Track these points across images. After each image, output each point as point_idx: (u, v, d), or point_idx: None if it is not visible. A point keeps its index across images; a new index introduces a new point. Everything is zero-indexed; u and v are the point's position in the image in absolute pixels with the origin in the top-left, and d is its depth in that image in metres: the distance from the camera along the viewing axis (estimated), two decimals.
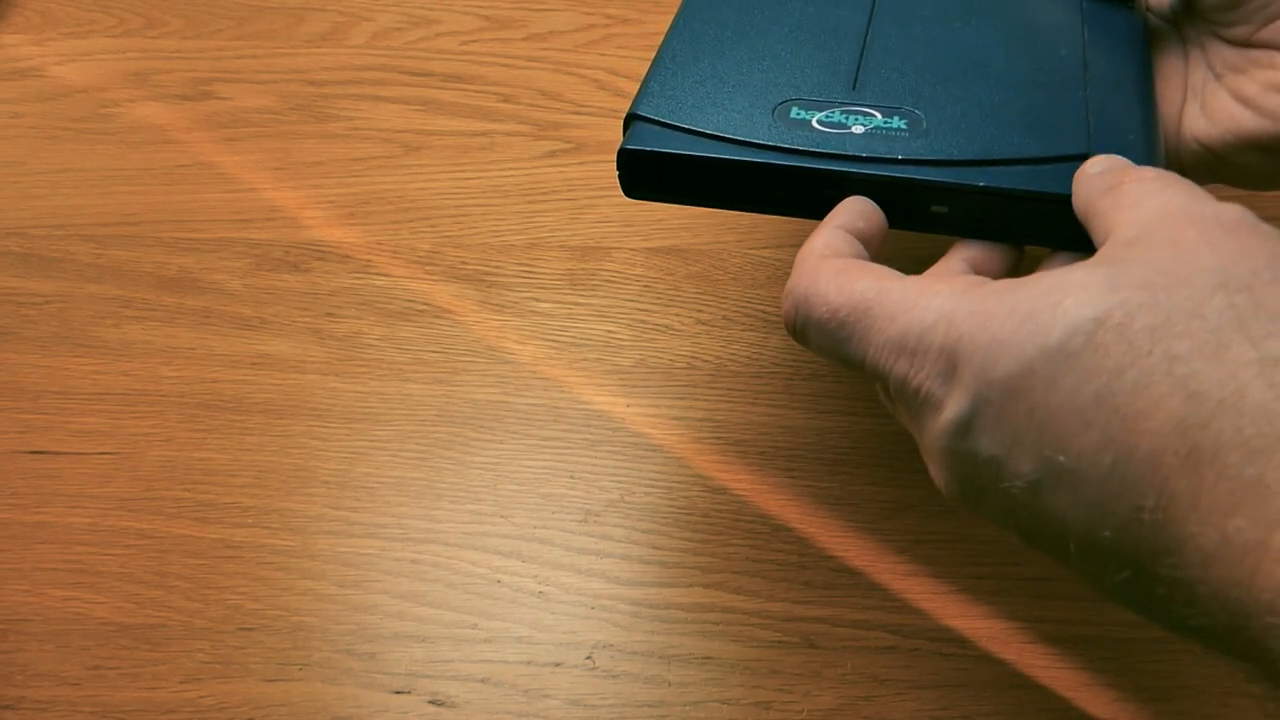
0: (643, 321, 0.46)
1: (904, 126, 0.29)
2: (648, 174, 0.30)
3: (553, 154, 0.52)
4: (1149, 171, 0.26)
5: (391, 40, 0.56)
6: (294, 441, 0.43)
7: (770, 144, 0.28)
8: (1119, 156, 0.27)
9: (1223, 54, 0.31)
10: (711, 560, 0.40)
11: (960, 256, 0.28)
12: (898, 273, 0.26)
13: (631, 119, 0.30)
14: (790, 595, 0.39)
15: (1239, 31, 0.30)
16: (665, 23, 0.55)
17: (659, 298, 0.47)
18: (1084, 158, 0.28)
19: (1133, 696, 0.38)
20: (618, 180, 0.31)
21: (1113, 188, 0.25)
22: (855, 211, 0.28)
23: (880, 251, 0.29)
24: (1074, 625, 0.39)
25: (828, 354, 0.26)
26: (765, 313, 0.46)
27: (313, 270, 0.48)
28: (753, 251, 0.48)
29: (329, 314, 0.47)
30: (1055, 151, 0.28)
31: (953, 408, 0.23)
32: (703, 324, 0.46)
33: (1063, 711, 0.37)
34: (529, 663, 0.38)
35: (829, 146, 0.28)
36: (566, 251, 0.48)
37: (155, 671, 0.38)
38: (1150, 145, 0.29)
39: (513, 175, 0.51)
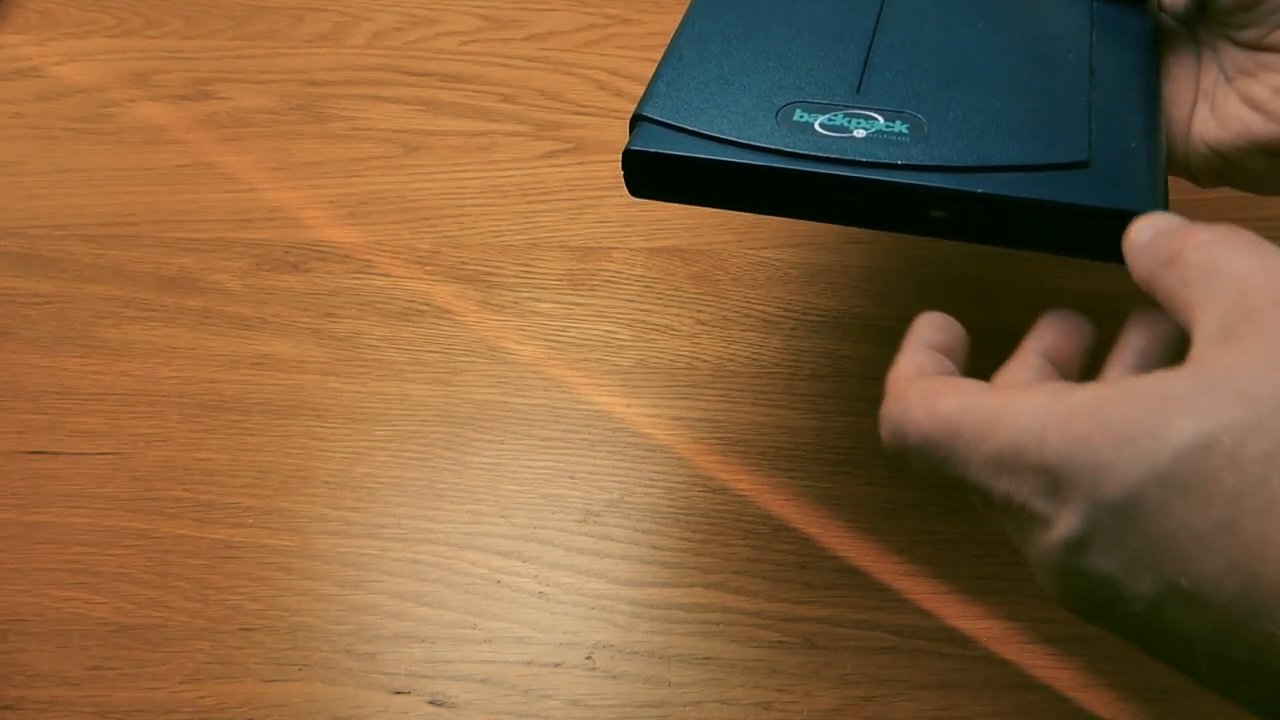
0: (643, 321, 0.46)
1: (905, 131, 0.29)
2: (652, 174, 0.30)
3: (553, 154, 0.52)
4: (1203, 232, 0.24)
5: (391, 40, 0.56)
6: (294, 441, 0.43)
7: (772, 147, 0.28)
8: (1164, 214, 0.26)
9: (1234, 57, 0.31)
10: (711, 560, 0.40)
11: (1033, 350, 0.28)
12: (981, 385, 0.25)
13: (637, 120, 0.30)
14: (790, 595, 0.39)
15: (1251, 34, 0.30)
16: (665, 23, 0.55)
17: (659, 298, 0.47)
18: (1084, 165, 0.27)
19: (1133, 696, 0.37)
20: (623, 179, 0.31)
21: (1171, 260, 0.24)
22: (933, 325, 0.28)
23: (965, 361, 0.28)
24: (1074, 625, 0.39)
25: (932, 475, 0.26)
26: (765, 313, 0.46)
27: (313, 270, 0.48)
28: (753, 251, 0.48)
29: (329, 314, 0.47)
30: (1054, 159, 0.28)
31: (1063, 527, 0.23)
32: (703, 324, 0.46)
33: (1063, 711, 0.37)
34: (529, 663, 0.38)
35: (830, 150, 0.28)
36: (566, 251, 0.48)
37: (155, 671, 0.38)
38: (1151, 154, 0.28)
39: (513, 175, 0.51)
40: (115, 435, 0.43)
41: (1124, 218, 0.26)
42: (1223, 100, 0.31)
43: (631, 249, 0.48)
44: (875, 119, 0.29)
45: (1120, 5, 0.32)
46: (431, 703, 0.37)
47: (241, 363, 0.45)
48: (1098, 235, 0.27)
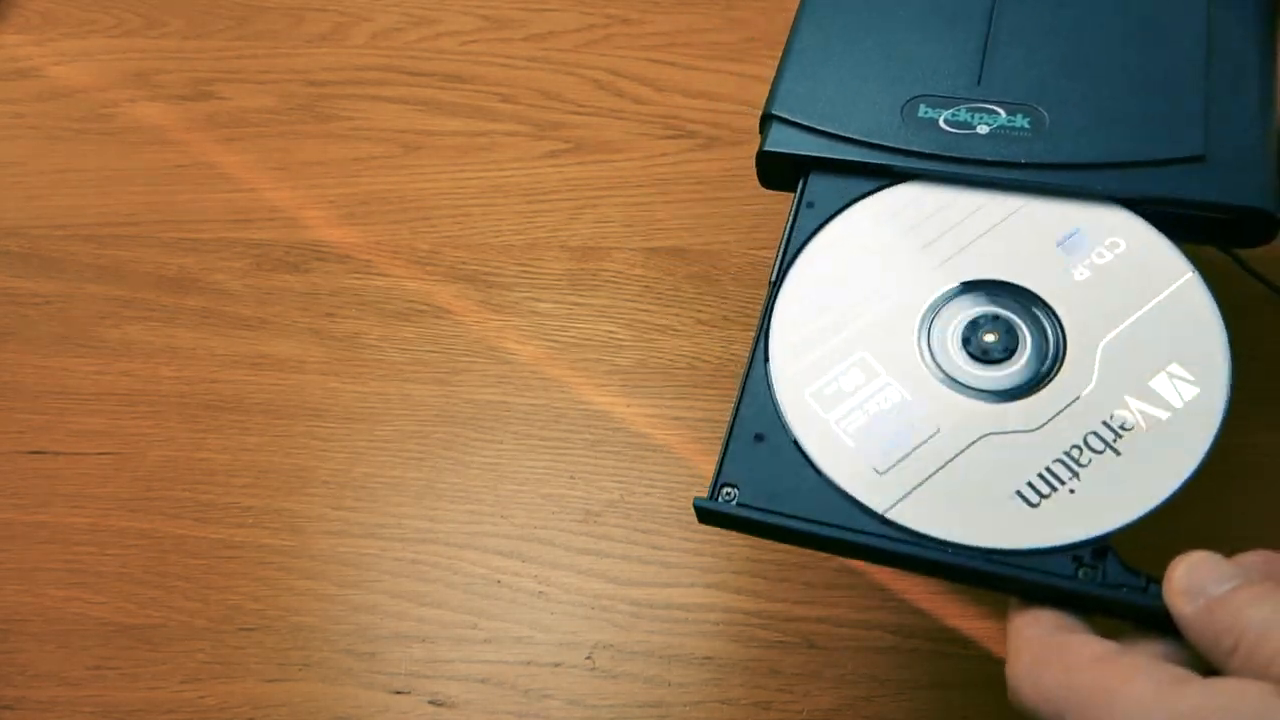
0: (643, 321, 0.46)
1: (1027, 126, 0.29)
2: (784, 171, 0.30)
3: (553, 154, 0.51)
4: (1241, 595, 0.24)
5: (391, 40, 0.56)
6: (294, 441, 0.43)
7: (899, 147, 0.29)
8: (1201, 559, 0.25)
9: None
10: (711, 560, 0.40)
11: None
12: (1093, 650, 0.24)
13: (767, 119, 0.30)
14: (790, 595, 0.39)
15: None
16: (665, 23, 0.55)
17: (659, 298, 0.47)
18: (1200, 160, 0.27)
19: None
20: (755, 172, 0.31)
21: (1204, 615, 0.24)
22: None
23: None
24: None
25: None
26: None
27: (313, 270, 0.48)
28: (753, 251, 0.48)
29: (329, 314, 0.47)
30: (1171, 153, 0.28)
31: None
32: (703, 324, 0.46)
33: None
34: (529, 663, 0.38)
35: (956, 150, 0.28)
36: (566, 251, 0.48)
37: (155, 671, 0.38)
38: (1266, 147, 0.28)
39: (513, 175, 0.51)
40: (115, 435, 0.43)
41: (1239, 212, 0.27)
42: None
43: (631, 249, 0.48)
44: (998, 113, 0.29)
45: None
46: (431, 703, 0.37)
47: (241, 363, 0.45)
48: (1214, 227, 0.28)
